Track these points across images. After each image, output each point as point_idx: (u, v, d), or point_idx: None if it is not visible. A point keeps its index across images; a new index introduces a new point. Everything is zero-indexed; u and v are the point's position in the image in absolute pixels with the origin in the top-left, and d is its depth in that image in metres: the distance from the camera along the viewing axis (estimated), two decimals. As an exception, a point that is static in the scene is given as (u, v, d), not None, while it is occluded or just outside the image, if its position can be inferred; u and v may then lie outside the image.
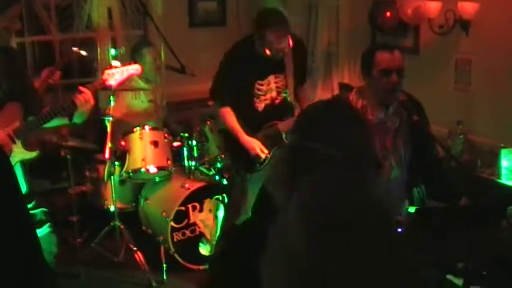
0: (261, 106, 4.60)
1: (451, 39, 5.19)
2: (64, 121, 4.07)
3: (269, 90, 4.60)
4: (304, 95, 4.86)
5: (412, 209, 3.46)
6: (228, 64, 4.56)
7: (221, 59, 4.66)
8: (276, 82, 4.60)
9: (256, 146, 4.55)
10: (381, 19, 5.82)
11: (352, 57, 6.19)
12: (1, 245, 2.32)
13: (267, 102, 4.59)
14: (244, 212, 4.77)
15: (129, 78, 4.58)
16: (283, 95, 4.67)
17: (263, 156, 4.57)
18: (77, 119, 4.06)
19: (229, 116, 4.56)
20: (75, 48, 5.39)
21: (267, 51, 4.41)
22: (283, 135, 4.58)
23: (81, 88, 4.06)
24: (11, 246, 2.35)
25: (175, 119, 6.07)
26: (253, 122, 4.60)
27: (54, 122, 4.06)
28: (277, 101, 4.64)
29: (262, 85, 4.56)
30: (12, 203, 2.41)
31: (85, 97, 3.98)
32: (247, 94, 4.55)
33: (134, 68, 4.32)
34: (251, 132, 4.61)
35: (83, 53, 5.31)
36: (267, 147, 4.59)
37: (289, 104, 4.70)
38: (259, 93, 4.56)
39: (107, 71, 4.17)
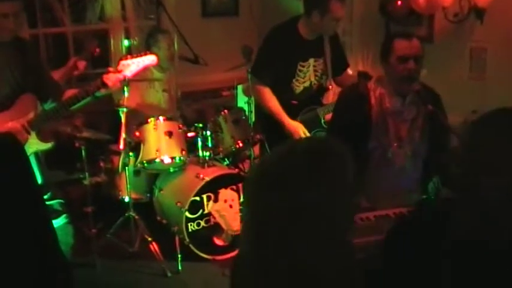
0: (299, 88, 4.66)
1: (466, 28, 5.16)
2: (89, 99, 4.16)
3: (308, 73, 4.67)
4: (348, 79, 4.88)
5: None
6: (273, 44, 4.64)
7: (264, 39, 4.74)
8: (314, 66, 4.70)
9: (300, 130, 4.61)
10: (391, 8, 5.79)
11: (365, 47, 6.16)
12: (18, 235, 2.33)
13: (306, 85, 4.67)
14: None
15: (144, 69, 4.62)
16: (321, 80, 4.73)
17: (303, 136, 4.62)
18: (99, 94, 4.15)
19: (271, 98, 4.60)
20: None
21: (326, 27, 4.56)
22: (322, 120, 4.63)
23: (110, 69, 4.12)
24: (29, 237, 2.37)
25: (189, 109, 6.07)
26: (288, 104, 4.62)
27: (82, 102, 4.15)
28: (315, 86, 4.70)
29: (303, 66, 4.65)
30: (29, 194, 2.42)
31: (117, 77, 4.06)
32: (288, 75, 4.64)
33: (150, 59, 4.32)
34: (287, 114, 4.67)
35: None
36: None
37: (325, 89, 4.77)
38: (300, 74, 4.63)
39: (123, 62, 4.18)
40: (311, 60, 4.69)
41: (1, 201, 2.27)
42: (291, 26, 4.65)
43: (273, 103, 4.58)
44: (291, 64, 4.61)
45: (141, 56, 4.35)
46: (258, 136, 5.24)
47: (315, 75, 4.72)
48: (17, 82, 4.09)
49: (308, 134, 4.62)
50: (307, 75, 4.68)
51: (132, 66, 4.22)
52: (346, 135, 3.63)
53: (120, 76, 4.13)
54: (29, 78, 4.16)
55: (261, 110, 4.77)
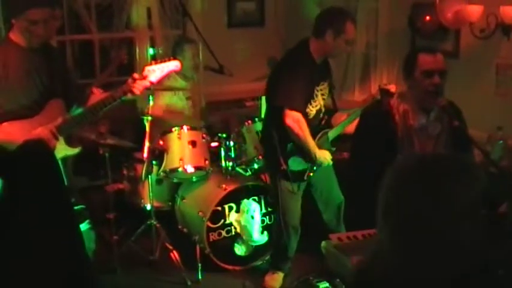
0: (312, 113, 4.58)
1: (492, 44, 5.12)
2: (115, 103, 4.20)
3: (318, 97, 4.62)
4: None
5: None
6: (295, 70, 4.49)
7: (283, 66, 4.62)
8: (321, 90, 4.62)
9: (329, 158, 4.60)
10: (420, 23, 5.78)
11: (390, 60, 6.15)
12: (48, 238, 2.35)
13: (317, 108, 4.60)
14: (291, 225, 4.76)
15: (168, 76, 4.68)
16: (327, 103, 4.73)
17: (331, 163, 4.61)
18: (126, 98, 4.18)
19: (304, 126, 4.43)
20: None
21: (338, 48, 4.48)
22: (330, 142, 4.64)
23: (135, 75, 4.15)
24: (57, 240, 2.39)
25: (213, 119, 6.09)
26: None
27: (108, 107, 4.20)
28: (323, 108, 4.66)
29: (317, 91, 4.58)
30: (59, 199, 2.44)
31: (144, 84, 4.11)
32: (306, 100, 4.54)
33: (174, 65, 4.33)
34: None
35: None
36: None
37: (329, 111, 4.74)
38: (315, 98, 4.57)
39: (147, 68, 4.21)
40: (320, 84, 4.63)
41: (32, 206, 2.30)
42: (305, 50, 4.52)
43: (308, 133, 4.47)
44: (309, 89, 4.53)
45: (165, 61, 4.37)
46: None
47: (322, 99, 4.66)
48: (45, 88, 4.12)
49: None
50: (318, 99, 4.62)
51: (157, 71, 4.23)
52: (372, 154, 3.65)
53: (146, 83, 4.16)
54: (56, 84, 4.19)
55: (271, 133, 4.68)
